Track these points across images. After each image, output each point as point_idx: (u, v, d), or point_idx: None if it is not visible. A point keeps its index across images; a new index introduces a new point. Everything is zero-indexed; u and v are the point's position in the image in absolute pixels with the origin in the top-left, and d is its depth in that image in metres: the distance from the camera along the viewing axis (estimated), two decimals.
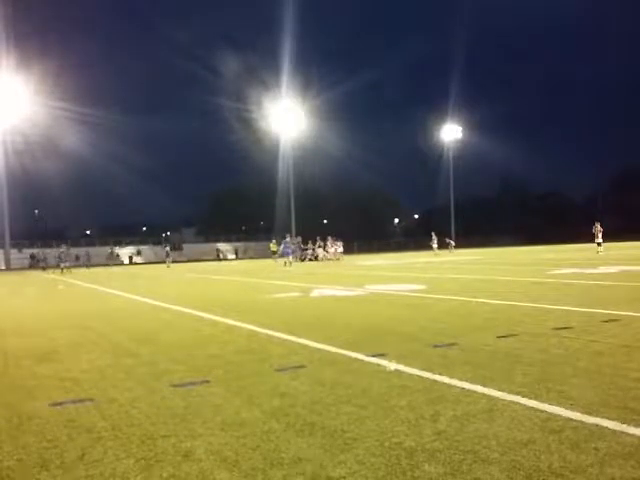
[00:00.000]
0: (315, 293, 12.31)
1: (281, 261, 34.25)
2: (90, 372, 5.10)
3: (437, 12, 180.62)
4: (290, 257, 32.92)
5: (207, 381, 4.52)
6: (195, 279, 21.95)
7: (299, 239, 43.23)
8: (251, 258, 63.10)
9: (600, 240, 31.36)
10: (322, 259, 37.23)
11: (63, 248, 39.09)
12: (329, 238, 38.68)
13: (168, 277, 24.43)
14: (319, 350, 5.63)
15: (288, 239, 36.10)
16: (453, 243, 50.68)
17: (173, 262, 44.03)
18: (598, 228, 31.54)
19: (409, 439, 3.04)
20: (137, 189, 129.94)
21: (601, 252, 29.71)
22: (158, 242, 71.85)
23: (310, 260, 38.00)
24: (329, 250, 38.07)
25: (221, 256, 62.08)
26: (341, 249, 38.98)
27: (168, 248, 44.61)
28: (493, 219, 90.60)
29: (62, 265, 36.39)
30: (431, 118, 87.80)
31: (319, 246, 39.92)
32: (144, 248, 68.57)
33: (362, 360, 5.07)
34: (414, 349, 5.45)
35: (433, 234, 44.39)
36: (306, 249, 40.21)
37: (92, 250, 65.78)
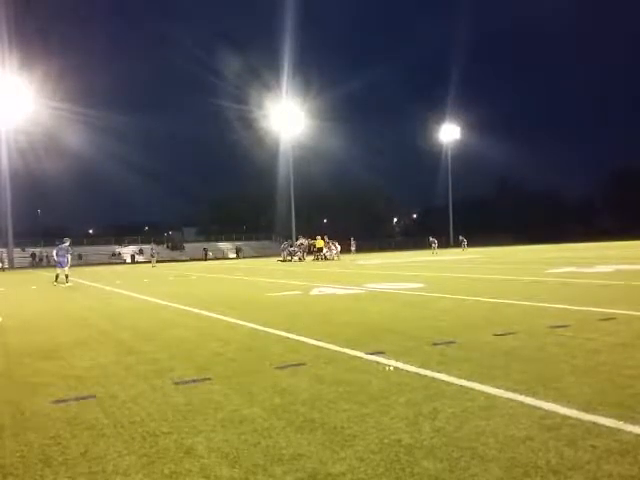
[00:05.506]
0: (315, 292, 12.34)
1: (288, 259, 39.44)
2: (93, 369, 5.14)
3: (437, 12, 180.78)
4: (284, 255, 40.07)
5: (208, 378, 4.55)
6: (196, 278, 21.97)
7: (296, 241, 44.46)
8: (252, 257, 63.07)
9: None
10: (321, 259, 37.11)
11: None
12: (325, 237, 38.53)
13: (169, 276, 24.44)
14: (319, 348, 5.66)
15: (286, 243, 44.07)
16: (466, 241, 51.88)
17: (176, 261, 45.01)
18: None
19: (408, 436, 3.07)
20: (139, 189, 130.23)
21: None
22: (160, 241, 71.96)
23: (300, 260, 37.87)
24: (331, 249, 37.88)
25: (209, 255, 62.02)
26: (337, 250, 38.75)
27: (153, 248, 46.59)
28: (491, 218, 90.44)
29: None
30: (430, 118, 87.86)
31: (300, 244, 39.77)
32: (146, 247, 68.76)
33: (361, 358, 5.10)
34: (413, 347, 5.48)
35: (432, 237, 47.28)
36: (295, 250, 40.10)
37: (94, 249, 65.81)
